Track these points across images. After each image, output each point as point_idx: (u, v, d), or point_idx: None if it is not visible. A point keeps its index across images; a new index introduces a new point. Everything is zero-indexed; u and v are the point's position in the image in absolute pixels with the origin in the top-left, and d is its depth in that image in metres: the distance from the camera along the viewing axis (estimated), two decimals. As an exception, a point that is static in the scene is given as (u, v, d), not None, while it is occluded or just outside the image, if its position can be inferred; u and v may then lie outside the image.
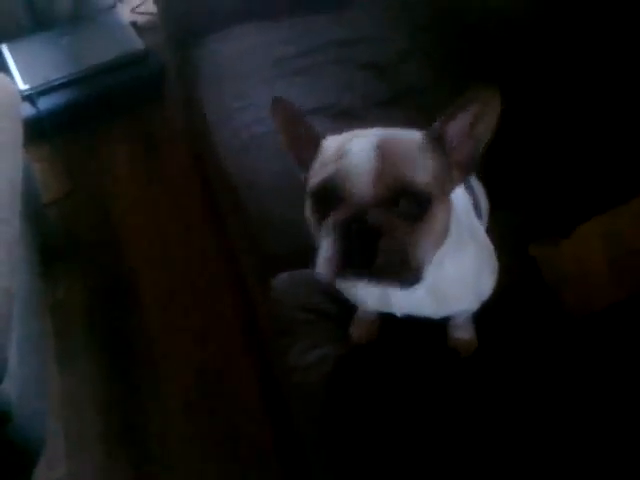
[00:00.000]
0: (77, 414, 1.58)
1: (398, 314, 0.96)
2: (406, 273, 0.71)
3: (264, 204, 1.37)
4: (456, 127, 0.74)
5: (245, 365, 1.62)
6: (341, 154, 0.72)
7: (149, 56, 2.28)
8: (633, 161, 1.21)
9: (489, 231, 1.01)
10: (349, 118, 1.47)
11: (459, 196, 0.88)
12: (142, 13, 2.60)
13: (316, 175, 0.76)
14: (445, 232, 0.77)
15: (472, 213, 0.96)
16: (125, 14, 2.55)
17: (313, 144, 0.81)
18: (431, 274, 0.81)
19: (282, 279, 1.25)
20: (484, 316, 1.09)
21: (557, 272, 1.13)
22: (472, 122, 0.73)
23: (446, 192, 0.76)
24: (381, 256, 0.69)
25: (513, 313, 1.12)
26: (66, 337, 1.73)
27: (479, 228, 0.97)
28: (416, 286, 0.75)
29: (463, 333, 1.12)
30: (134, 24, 2.46)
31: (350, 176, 0.70)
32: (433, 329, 1.12)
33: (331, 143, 0.78)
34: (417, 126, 1.25)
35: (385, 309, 0.97)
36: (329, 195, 0.73)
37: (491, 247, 0.97)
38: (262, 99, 1.55)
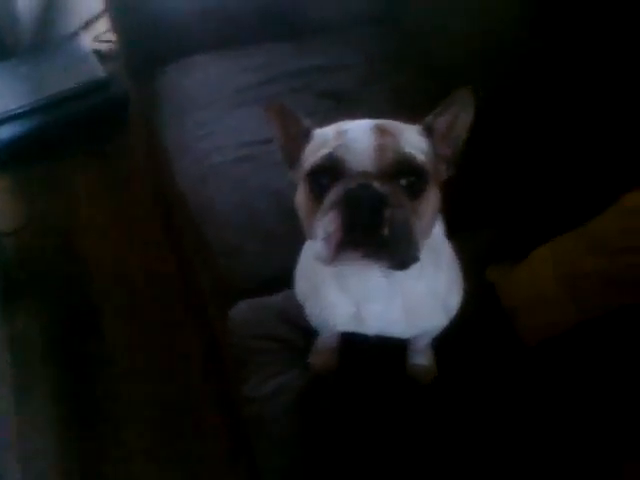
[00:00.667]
0: (34, 449, 1.53)
1: (369, 333, 0.96)
2: (408, 248, 0.71)
3: (224, 234, 1.37)
4: (441, 124, 0.79)
5: (207, 396, 1.60)
6: (339, 134, 0.74)
7: (112, 85, 2.26)
8: (586, 186, 1.24)
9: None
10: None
11: None
12: (105, 41, 2.58)
13: (312, 157, 0.76)
14: (434, 221, 0.78)
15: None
16: (88, 42, 2.53)
17: (303, 137, 0.82)
18: (407, 287, 0.85)
19: (240, 308, 1.24)
20: (443, 344, 1.10)
21: (512, 297, 1.15)
22: (452, 121, 0.79)
23: (436, 182, 0.78)
24: (387, 225, 0.68)
25: (471, 340, 1.13)
26: (24, 370, 1.68)
27: (447, 243, 0.99)
28: (387, 301, 0.82)
29: (422, 359, 1.13)
30: (97, 52, 2.45)
31: (352, 150, 0.72)
32: (392, 358, 1.13)
33: (324, 130, 0.80)
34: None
35: (357, 328, 0.96)
36: (329, 171, 0.72)
37: (457, 264, 0.98)
38: (222, 128, 1.56)
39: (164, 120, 1.67)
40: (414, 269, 0.75)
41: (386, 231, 0.68)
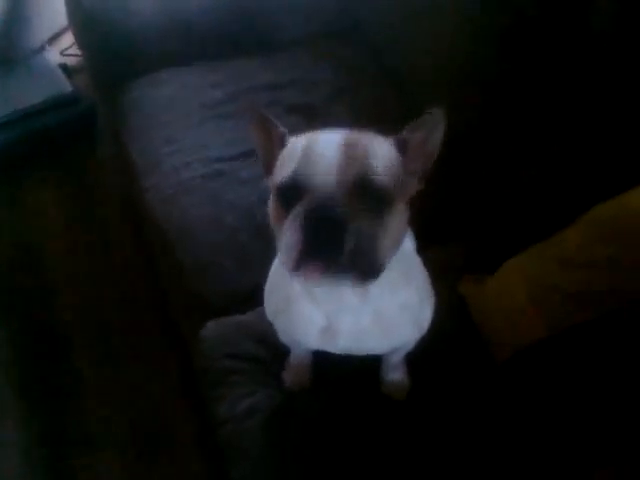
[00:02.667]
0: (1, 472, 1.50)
1: (340, 350, 0.96)
2: (369, 266, 0.72)
3: (195, 251, 1.36)
4: (414, 140, 0.79)
5: (182, 414, 1.58)
6: (307, 147, 0.74)
7: (79, 99, 2.23)
8: (557, 198, 1.26)
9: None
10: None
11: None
12: (72, 55, 2.54)
13: (282, 169, 0.76)
14: (401, 237, 0.78)
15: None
16: (54, 56, 2.50)
17: (279, 143, 0.82)
18: (379, 302, 0.85)
19: (210, 328, 1.23)
20: (416, 359, 1.10)
21: (482, 311, 1.16)
22: (425, 138, 0.79)
23: (405, 195, 0.79)
24: (345, 246, 0.68)
25: (444, 355, 1.14)
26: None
27: (418, 257, 0.99)
28: (359, 315, 0.82)
29: (396, 375, 1.13)
30: (64, 66, 2.42)
31: (315, 170, 0.71)
32: (366, 374, 1.13)
33: (296, 140, 0.79)
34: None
35: (327, 345, 0.96)
36: (295, 187, 0.73)
37: (427, 277, 0.99)
38: (190, 143, 1.55)
39: (132, 135, 1.65)
40: (385, 283, 0.76)
41: (344, 252, 0.68)
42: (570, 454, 1.03)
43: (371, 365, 1.11)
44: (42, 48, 2.46)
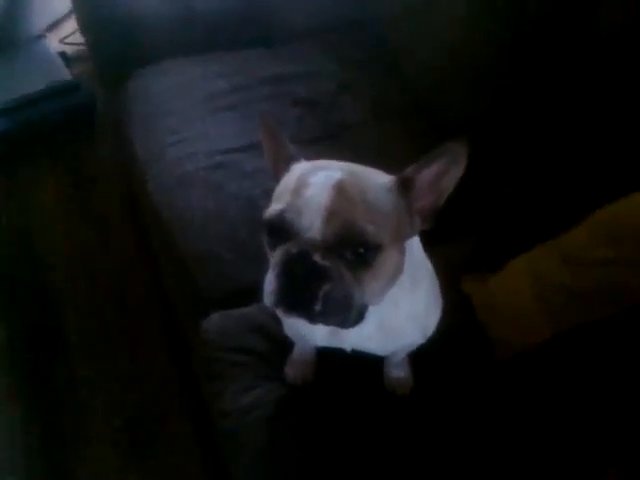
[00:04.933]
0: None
1: (347, 349, 0.95)
2: (347, 317, 0.71)
3: (197, 243, 1.34)
4: (425, 176, 0.74)
5: (180, 411, 1.56)
6: (300, 187, 0.71)
7: (78, 88, 2.21)
8: (563, 197, 1.26)
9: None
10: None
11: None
12: (72, 44, 2.53)
13: (274, 202, 0.74)
14: (397, 274, 0.77)
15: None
16: (54, 44, 2.48)
17: (286, 163, 0.80)
18: (385, 312, 0.82)
19: (213, 320, 1.22)
20: (420, 355, 1.10)
21: (486, 310, 1.15)
22: (439, 174, 0.74)
23: (403, 238, 0.76)
24: (321, 300, 0.68)
25: (448, 352, 1.13)
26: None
27: (429, 263, 0.98)
28: (363, 323, 0.75)
29: (400, 372, 1.12)
30: (63, 55, 2.40)
31: (302, 213, 0.69)
32: (369, 370, 1.12)
33: (297, 170, 0.77)
34: (349, 163, 1.26)
35: (334, 344, 0.95)
36: (280, 228, 0.71)
37: (437, 281, 0.97)
38: (194, 135, 1.54)
39: (134, 125, 1.64)
40: (389, 295, 0.76)
41: (318, 305, 0.68)
42: (572, 453, 1.03)
43: (375, 361, 1.10)
44: (41, 36, 2.44)
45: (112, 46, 1.73)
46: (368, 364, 1.10)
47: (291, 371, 1.14)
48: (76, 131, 2.25)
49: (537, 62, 1.34)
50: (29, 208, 2.05)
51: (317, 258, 0.68)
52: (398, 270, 0.76)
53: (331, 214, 0.68)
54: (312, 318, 0.71)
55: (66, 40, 2.56)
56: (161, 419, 1.56)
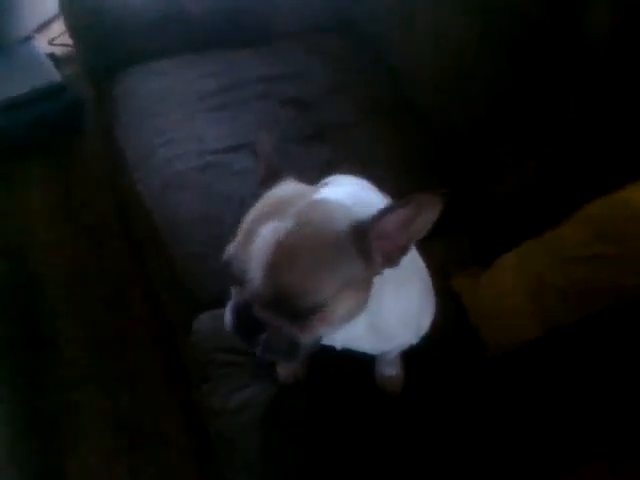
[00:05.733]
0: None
1: (338, 347, 0.95)
2: (289, 357, 0.77)
3: (187, 243, 1.34)
4: (392, 221, 0.72)
5: (173, 411, 1.56)
6: (251, 233, 0.71)
7: (67, 90, 2.20)
8: (553, 193, 1.27)
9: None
10: (272, 154, 1.47)
11: None
12: (60, 45, 2.52)
13: (237, 236, 0.75)
14: (356, 310, 0.76)
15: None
16: (43, 45, 2.47)
17: (271, 179, 0.81)
18: (374, 314, 0.82)
19: (203, 320, 1.21)
20: (411, 353, 1.10)
21: (477, 307, 1.15)
22: (407, 221, 0.72)
23: (360, 281, 0.75)
24: (261, 346, 0.74)
25: (440, 350, 1.13)
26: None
27: (421, 262, 0.97)
28: (353, 324, 0.78)
29: (391, 369, 1.12)
30: (52, 56, 2.40)
31: (246, 265, 0.70)
32: (361, 368, 1.12)
33: (268, 198, 0.77)
34: (339, 162, 1.25)
35: (325, 342, 0.93)
36: (230, 272, 0.74)
37: (430, 281, 0.97)
38: (183, 135, 1.53)
39: (123, 126, 1.63)
40: (378, 299, 0.79)
41: (261, 349, 0.75)
42: (563, 449, 1.04)
43: (366, 359, 1.11)
44: (30, 37, 2.43)
45: (99, 47, 1.73)
46: (359, 362, 1.10)
47: (282, 370, 1.14)
48: (65, 132, 2.24)
49: (530, 62, 1.35)
50: (19, 210, 2.03)
51: (256, 311, 0.72)
52: (354, 309, 0.76)
53: (269, 273, 0.69)
54: (260, 353, 0.76)
55: (55, 41, 2.55)
56: (154, 419, 1.55)
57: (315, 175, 1.20)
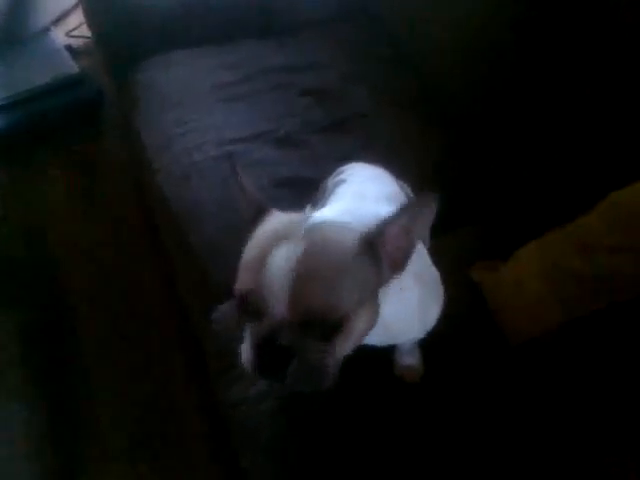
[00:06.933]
0: (7, 454, 1.49)
1: None
2: (322, 382, 0.74)
3: (207, 233, 1.34)
4: (395, 227, 0.74)
5: (191, 405, 1.57)
6: (262, 264, 0.70)
7: (85, 81, 2.21)
8: (575, 181, 1.25)
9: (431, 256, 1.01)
10: (289, 144, 1.47)
11: None
12: (78, 37, 2.53)
13: (242, 272, 0.75)
14: (370, 325, 0.77)
15: (420, 245, 0.96)
16: (60, 37, 2.48)
17: (258, 214, 0.81)
18: (382, 311, 0.81)
19: (224, 310, 1.22)
20: (430, 343, 1.09)
21: (497, 297, 1.15)
22: (408, 225, 0.74)
23: (373, 293, 0.76)
24: (291, 376, 0.72)
25: (459, 340, 1.13)
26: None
27: (426, 257, 0.97)
28: None
29: (410, 359, 1.12)
30: (69, 48, 2.41)
31: (266, 296, 0.70)
32: (380, 358, 1.12)
33: (264, 231, 0.77)
34: (358, 152, 1.24)
35: None
36: (247, 307, 0.73)
37: (437, 274, 0.97)
38: (201, 125, 1.54)
39: (142, 117, 1.64)
40: (385, 296, 0.78)
41: (290, 380, 0.72)
42: (583, 440, 1.03)
43: (385, 348, 1.10)
44: (47, 29, 2.44)
45: (119, 38, 1.73)
46: (378, 352, 1.10)
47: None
48: (84, 124, 2.25)
49: (547, 48, 1.33)
50: (39, 201, 2.05)
51: (283, 338, 0.70)
52: (371, 321, 0.77)
53: (293, 297, 0.69)
54: (287, 388, 0.74)
55: (72, 33, 2.56)
56: (172, 414, 1.56)
57: (333, 165, 1.20)
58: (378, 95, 1.63)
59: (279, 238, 0.72)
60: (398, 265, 0.77)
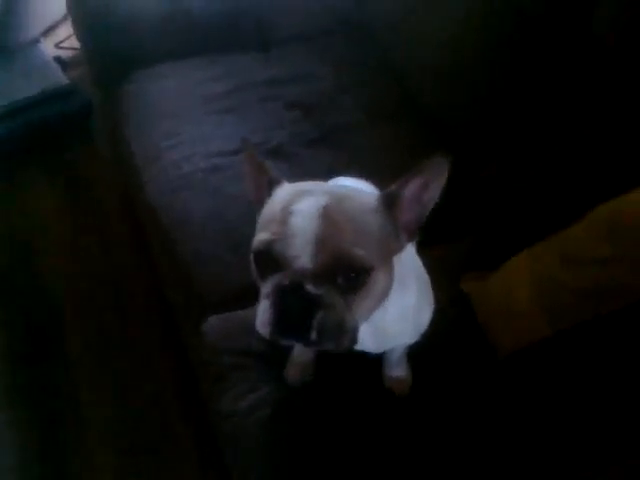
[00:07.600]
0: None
1: None
2: (341, 341, 0.73)
3: (195, 245, 1.34)
4: (408, 191, 0.75)
5: (180, 415, 1.56)
6: (286, 215, 0.70)
7: (74, 93, 2.21)
8: (563, 195, 1.27)
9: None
10: (278, 157, 1.47)
11: None
12: (67, 48, 2.53)
13: (260, 231, 0.74)
14: (387, 291, 0.77)
15: (413, 248, 0.97)
16: (49, 49, 2.48)
17: (268, 187, 0.80)
18: (375, 315, 0.81)
19: (212, 323, 1.22)
20: (419, 355, 1.10)
21: (485, 307, 1.15)
22: (422, 188, 0.75)
23: (391, 255, 0.77)
24: (316, 329, 0.69)
25: (447, 351, 1.13)
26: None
27: (418, 260, 0.98)
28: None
29: (399, 371, 1.13)
30: (58, 59, 2.41)
31: (290, 243, 0.69)
32: (369, 369, 1.12)
33: (281, 195, 0.76)
34: (346, 165, 1.26)
35: None
36: (269, 258, 0.71)
37: (427, 278, 0.98)
38: (190, 137, 1.54)
39: (131, 129, 1.64)
40: (390, 298, 0.78)
41: (314, 333, 0.70)
42: (571, 451, 1.04)
43: (374, 361, 1.11)
44: (37, 40, 2.44)
45: (108, 50, 1.74)
46: (367, 364, 1.11)
47: (291, 371, 1.14)
48: (73, 135, 2.24)
49: (536, 60, 1.35)
50: (27, 213, 2.04)
51: (309, 288, 0.69)
52: (388, 287, 0.77)
53: (320, 243, 0.68)
54: (308, 345, 0.73)
55: (61, 45, 2.56)
56: (161, 423, 1.55)
57: (320, 178, 1.21)
58: (364, 107, 1.64)
59: (305, 192, 0.73)
60: (411, 232, 0.78)
